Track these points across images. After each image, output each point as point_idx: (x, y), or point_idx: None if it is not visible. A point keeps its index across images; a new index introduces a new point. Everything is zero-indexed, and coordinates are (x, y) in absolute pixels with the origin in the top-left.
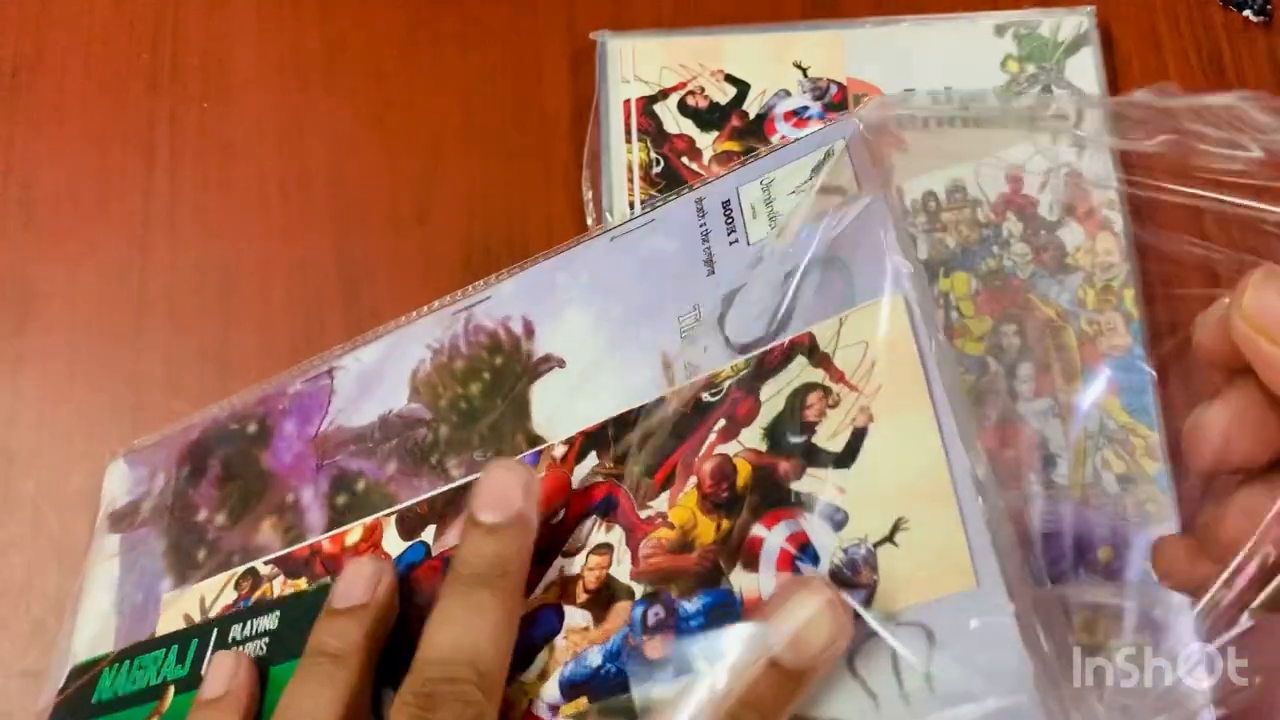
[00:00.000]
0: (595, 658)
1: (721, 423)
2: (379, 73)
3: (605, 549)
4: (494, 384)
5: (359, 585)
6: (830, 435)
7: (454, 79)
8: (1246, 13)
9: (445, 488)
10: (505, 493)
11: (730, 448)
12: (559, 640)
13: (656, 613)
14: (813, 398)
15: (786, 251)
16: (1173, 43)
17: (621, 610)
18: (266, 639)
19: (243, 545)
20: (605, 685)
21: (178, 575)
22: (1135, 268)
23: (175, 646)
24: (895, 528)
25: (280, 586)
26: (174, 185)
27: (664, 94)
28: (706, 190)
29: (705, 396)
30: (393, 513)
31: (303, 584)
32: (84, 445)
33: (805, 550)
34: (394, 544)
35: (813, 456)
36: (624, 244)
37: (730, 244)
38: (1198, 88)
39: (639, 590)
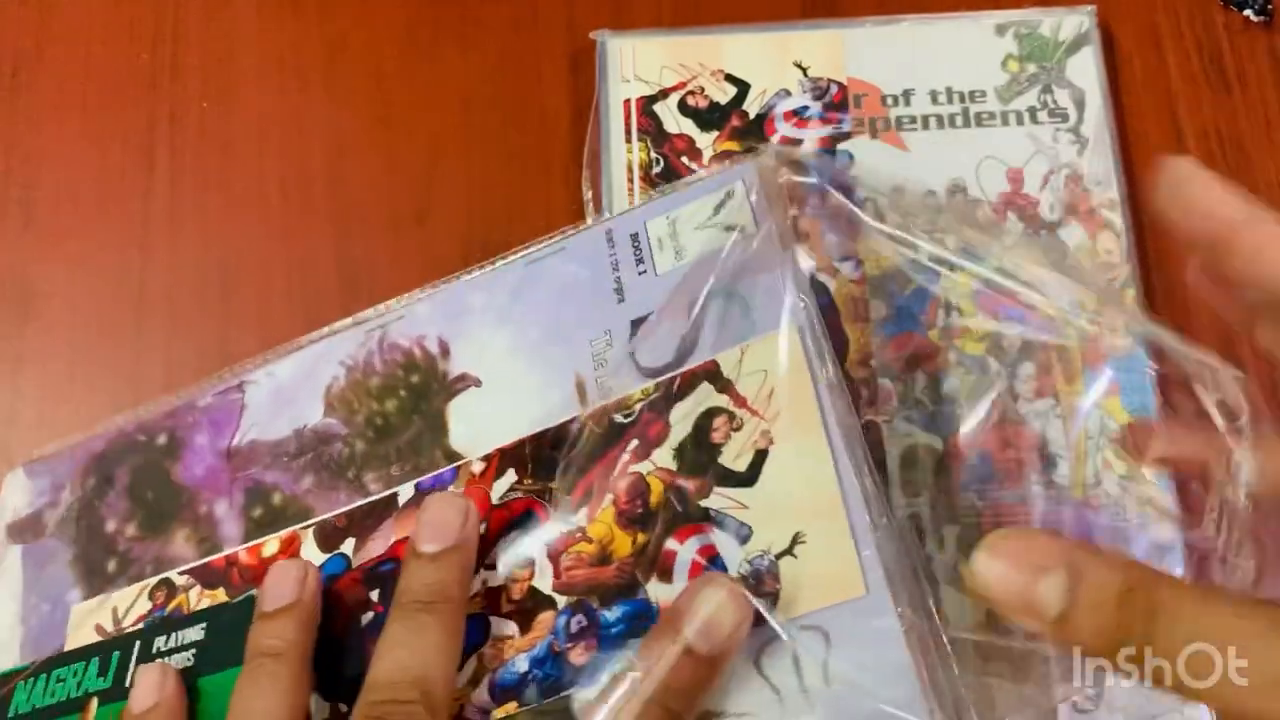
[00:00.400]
0: (523, 664)
1: (634, 443)
2: (379, 73)
3: (528, 562)
4: (410, 401)
5: (287, 585)
6: (735, 456)
7: (454, 79)
8: (1247, 12)
9: (363, 501)
10: (445, 523)
11: (643, 467)
12: (486, 648)
13: (579, 621)
14: (718, 421)
15: (689, 283)
16: (1173, 42)
17: (546, 619)
18: (193, 650)
19: (155, 556)
20: (534, 689)
21: (88, 586)
22: (1135, 268)
23: (96, 658)
24: (794, 541)
25: (197, 597)
26: (174, 185)
27: (664, 94)
28: (615, 223)
29: (618, 418)
30: (311, 525)
31: (221, 594)
32: None
33: (714, 562)
34: (313, 555)
35: (719, 476)
36: (539, 269)
37: (639, 274)
38: (1198, 88)
39: (561, 601)
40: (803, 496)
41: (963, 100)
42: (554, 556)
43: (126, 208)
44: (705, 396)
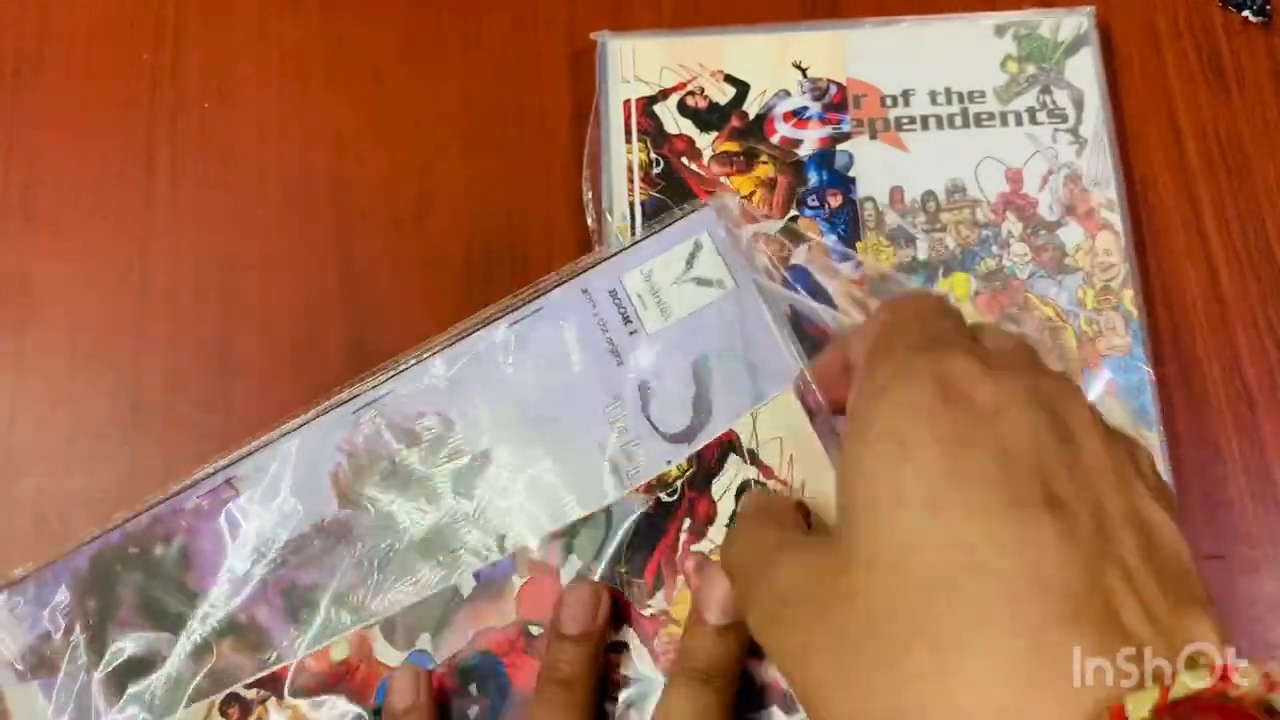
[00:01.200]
0: None
1: (687, 522)
2: (379, 73)
3: (621, 647)
4: (429, 485)
5: (584, 611)
6: None
7: (454, 79)
8: (1246, 13)
9: (424, 595)
10: (584, 609)
11: (704, 546)
12: None
13: None
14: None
15: (684, 343)
16: (1172, 43)
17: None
18: None
19: (210, 673)
20: None
21: (141, 710)
22: (1135, 268)
23: None
24: None
25: (275, 707)
26: (174, 185)
27: (664, 94)
28: (588, 280)
29: (663, 496)
30: (374, 623)
31: (301, 704)
32: (84, 445)
33: None
34: (387, 654)
35: None
36: (524, 332)
37: (630, 333)
38: (1197, 89)
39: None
40: None
41: (962, 101)
42: (647, 641)
43: (127, 207)
44: (737, 469)
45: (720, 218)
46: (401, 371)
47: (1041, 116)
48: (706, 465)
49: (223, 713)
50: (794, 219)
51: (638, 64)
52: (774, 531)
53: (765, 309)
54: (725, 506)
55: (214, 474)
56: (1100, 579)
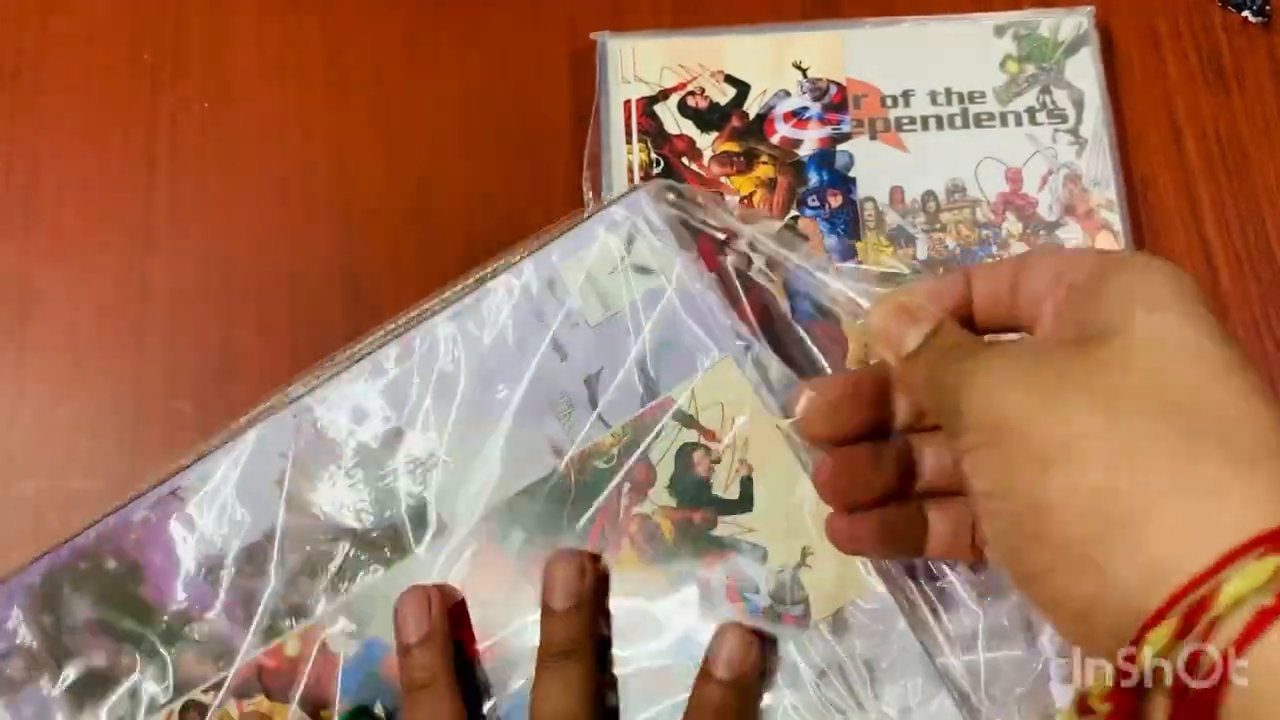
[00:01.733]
0: None
1: (626, 486)
2: (379, 73)
3: None
4: (379, 489)
5: (573, 584)
6: (724, 487)
7: (454, 79)
8: (1245, 13)
9: (378, 580)
10: (570, 581)
11: (645, 508)
12: None
13: None
14: (696, 456)
15: (625, 331)
16: (1172, 43)
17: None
18: None
19: (170, 682)
20: None
21: None
22: None
23: None
24: (804, 554)
25: (235, 709)
26: (175, 185)
27: (664, 94)
28: (529, 269)
29: (599, 464)
30: (327, 615)
31: (263, 701)
32: (84, 445)
33: (745, 582)
34: (344, 645)
35: (718, 507)
36: (462, 328)
37: (573, 327)
38: (1196, 89)
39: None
40: (795, 513)
41: (962, 101)
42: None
43: (127, 207)
44: (675, 434)
45: (656, 202)
46: (338, 373)
47: (1041, 117)
48: (644, 430)
49: (182, 719)
50: (794, 219)
51: (638, 64)
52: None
53: (703, 287)
54: (665, 469)
55: (159, 485)
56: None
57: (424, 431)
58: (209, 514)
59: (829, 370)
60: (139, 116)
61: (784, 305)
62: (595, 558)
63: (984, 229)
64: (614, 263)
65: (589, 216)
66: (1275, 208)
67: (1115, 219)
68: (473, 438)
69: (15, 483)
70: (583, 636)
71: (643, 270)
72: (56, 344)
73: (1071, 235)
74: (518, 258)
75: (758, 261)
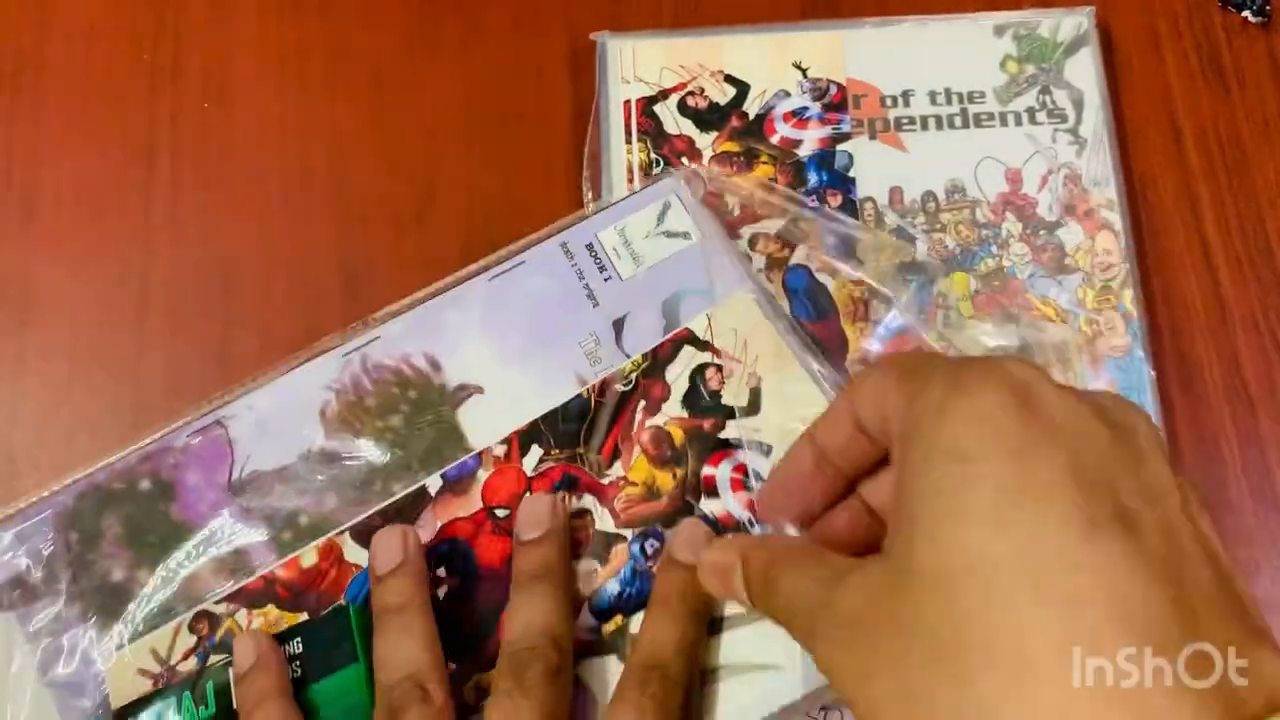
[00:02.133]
0: (614, 587)
1: (642, 403)
2: (379, 73)
3: (584, 513)
4: (415, 414)
5: (543, 515)
6: (734, 396)
7: (454, 79)
8: (1245, 13)
9: (395, 497)
10: (539, 514)
11: (659, 419)
12: (579, 584)
13: (651, 544)
14: (709, 373)
15: (654, 282)
16: (1172, 43)
17: (621, 550)
18: (297, 663)
19: (185, 594)
20: (631, 603)
21: (110, 636)
22: (1135, 268)
23: (187, 692)
24: None
25: (246, 619)
26: (175, 185)
27: (664, 94)
28: (567, 236)
29: (619, 387)
30: (345, 529)
31: (272, 610)
32: (84, 445)
33: (749, 475)
34: (357, 555)
35: (727, 413)
36: (503, 283)
37: (605, 280)
38: (1196, 89)
39: (629, 533)
40: (800, 414)
41: (962, 101)
42: (607, 503)
43: (127, 208)
44: (691, 357)
45: (688, 184)
46: (387, 321)
47: (1041, 117)
48: (662, 359)
49: (192, 629)
50: (794, 219)
51: (638, 64)
52: (826, 561)
53: (724, 244)
54: (679, 387)
55: (205, 414)
56: (1178, 602)
57: (460, 365)
58: (248, 441)
59: (829, 369)
60: (139, 116)
61: (784, 305)
62: (564, 497)
63: (984, 229)
64: (648, 229)
65: (629, 195)
66: (1275, 207)
67: (1115, 218)
68: (509, 369)
69: (15, 483)
70: (552, 562)
71: (674, 235)
72: (56, 344)
73: (1072, 235)
74: (559, 229)
75: (757, 262)
